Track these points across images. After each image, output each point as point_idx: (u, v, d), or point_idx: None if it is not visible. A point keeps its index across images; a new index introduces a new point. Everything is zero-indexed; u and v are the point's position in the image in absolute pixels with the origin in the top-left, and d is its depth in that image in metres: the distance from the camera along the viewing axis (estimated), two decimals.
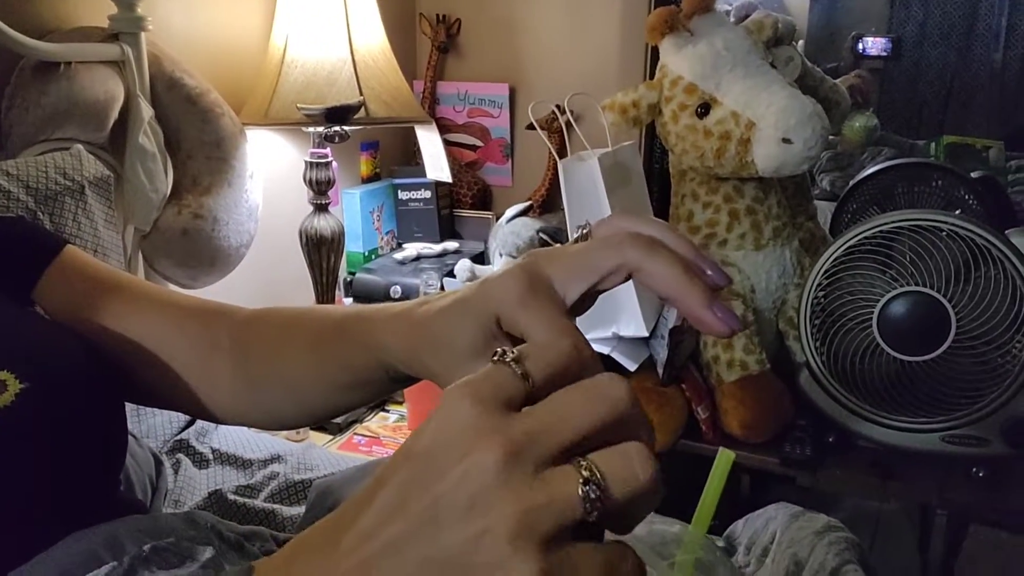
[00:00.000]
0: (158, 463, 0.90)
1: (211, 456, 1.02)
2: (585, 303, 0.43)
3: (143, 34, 1.16)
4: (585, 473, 0.26)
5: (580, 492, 0.26)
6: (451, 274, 1.68)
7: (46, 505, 0.50)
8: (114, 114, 1.14)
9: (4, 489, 0.47)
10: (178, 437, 1.04)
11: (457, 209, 1.98)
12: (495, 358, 0.30)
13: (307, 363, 0.56)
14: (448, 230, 1.96)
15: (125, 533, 0.50)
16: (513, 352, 0.30)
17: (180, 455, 1.00)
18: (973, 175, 1.73)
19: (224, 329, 0.61)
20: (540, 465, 0.27)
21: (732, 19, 1.57)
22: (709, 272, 0.40)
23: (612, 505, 0.27)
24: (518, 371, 0.29)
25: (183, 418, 1.07)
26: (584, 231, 0.43)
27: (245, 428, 1.12)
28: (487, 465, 0.26)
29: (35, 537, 0.48)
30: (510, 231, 1.69)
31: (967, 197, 1.64)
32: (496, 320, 0.41)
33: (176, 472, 0.96)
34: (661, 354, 1.33)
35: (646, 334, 1.33)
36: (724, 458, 0.40)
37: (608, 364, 1.33)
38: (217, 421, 0.63)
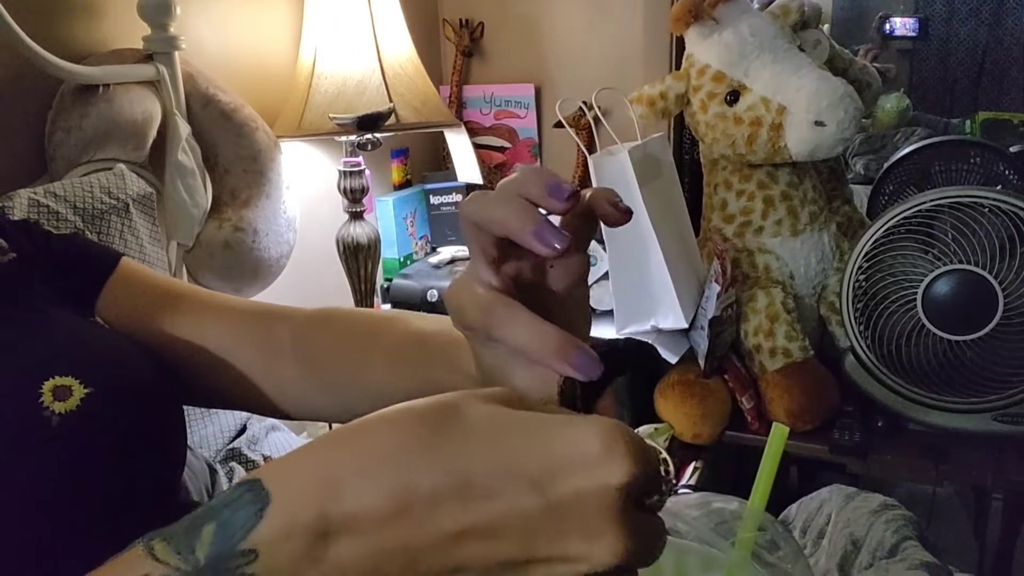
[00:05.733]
0: (212, 472, 0.92)
1: (263, 463, 1.04)
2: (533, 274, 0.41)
3: (176, 53, 1.19)
4: None
5: None
6: None
7: (112, 507, 0.51)
8: (153, 133, 1.16)
9: (70, 491, 0.49)
10: (230, 446, 1.06)
11: None
12: (663, 467, 0.30)
13: (391, 377, 0.57)
14: None
15: None
16: (668, 465, 0.30)
17: (233, 463, 1.02)
18: (1012, 150, 1.70)
19: (285, 331, 0.63)
20: None
21: (756, 5, 1.56)
22: (549, 196, 0.36)
23: None
24: (664, 488, 0.29)
25: (235, 427, 1.09)
26: None
27: (294, 435, 1.14)
28: (607, 560, 0.26)
29: (101, 539, 0.49)
30: None
31: (1007, 172, 1.61)
32: (465, 335, 0.42)
33: (230, 480, 0.98)
34: (702, 345, 1.32)
35: (685, 325, 1.32)
36: (779, 432, 0.40)
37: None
38: (288, 418, 0.65)
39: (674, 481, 0.26)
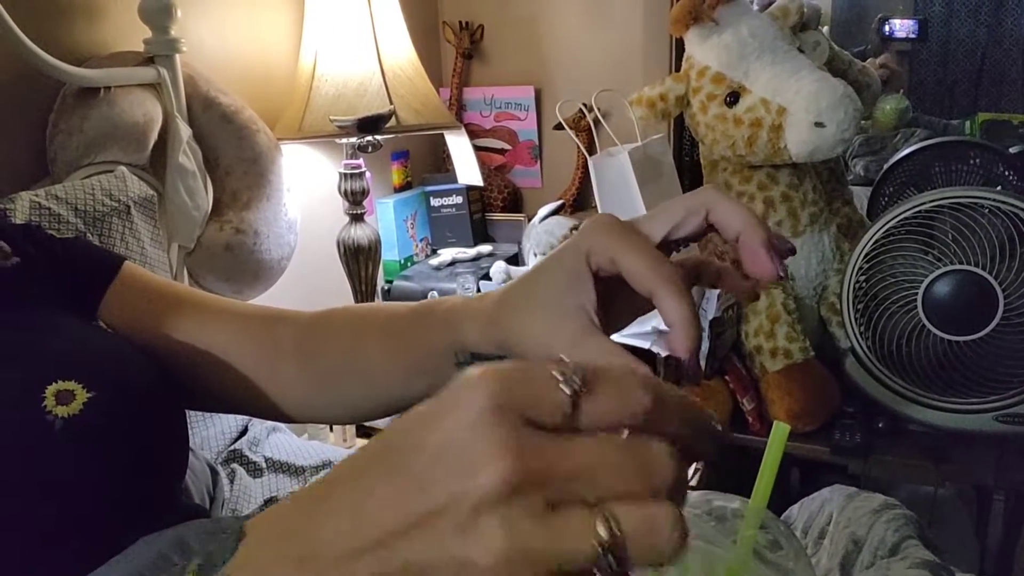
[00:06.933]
0: (214, 473, 0.92)
1: (264, 465, 1.04)
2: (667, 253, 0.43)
3: (177, 56, 1.19)
4: (603, 533, 0.23)
5: (592, 550, 0.23)
6: (487, 277, 1.69)
7: (114, 511, 0.51)
8: (154, 135, 1.17)
9: (74, 495, 0.49)
10: (232, 447, 1.06)
11: (489, 213, 1.99)
12: (554, 370, 0.25)
13: (385, 350, 0.57)
14: (481, 234, 1.97)
15: (192, 535, 0.52)
16: (577, 374, 0.25)
17: (235, 465, 1.02)
18: (1011, 151, 1.70)
19: (287, 333, 0.63)
20: (551, 504, 0.23)
21: (756, 7, 1.56)
22: (775, 237, 0.42)
23: (623, 570, 0.23)
24: (568, 394, 0.25)
25: (236, 429, 1.09)
26: None
27: (295, 436, 1.14)
28: (491, 485, 0.23)
29: (104, 541, 0.49)
30: (544, 230, 1.70)
31: (1007, 173, 1.61)
32: (587, 257, 0.41)
33: (232, 482, 0.98)
34: (703, 346, 1.32)
35: None
36: (780, 430, 0.40)
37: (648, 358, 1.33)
38: (289, 420, 0.65)
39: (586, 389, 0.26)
